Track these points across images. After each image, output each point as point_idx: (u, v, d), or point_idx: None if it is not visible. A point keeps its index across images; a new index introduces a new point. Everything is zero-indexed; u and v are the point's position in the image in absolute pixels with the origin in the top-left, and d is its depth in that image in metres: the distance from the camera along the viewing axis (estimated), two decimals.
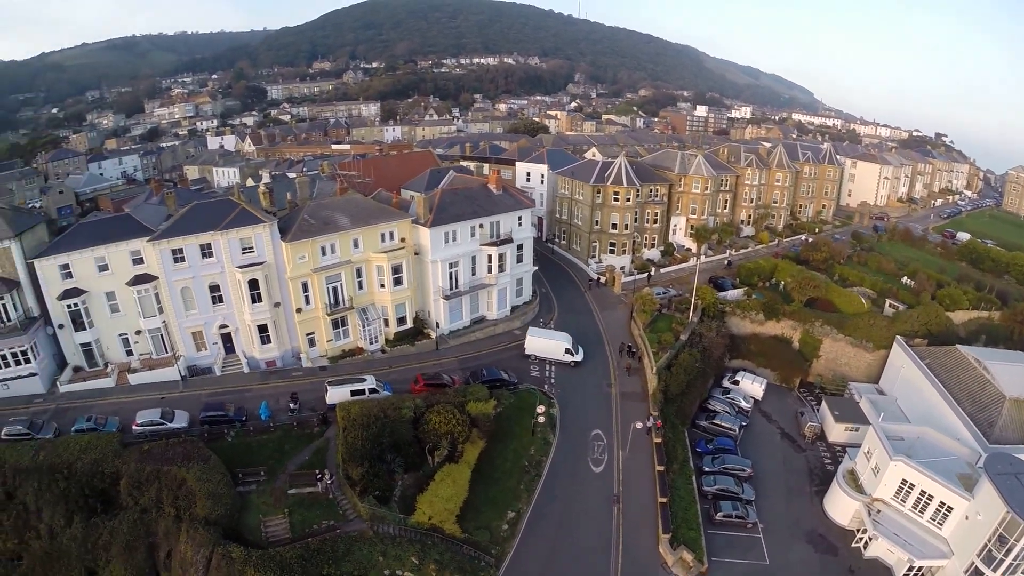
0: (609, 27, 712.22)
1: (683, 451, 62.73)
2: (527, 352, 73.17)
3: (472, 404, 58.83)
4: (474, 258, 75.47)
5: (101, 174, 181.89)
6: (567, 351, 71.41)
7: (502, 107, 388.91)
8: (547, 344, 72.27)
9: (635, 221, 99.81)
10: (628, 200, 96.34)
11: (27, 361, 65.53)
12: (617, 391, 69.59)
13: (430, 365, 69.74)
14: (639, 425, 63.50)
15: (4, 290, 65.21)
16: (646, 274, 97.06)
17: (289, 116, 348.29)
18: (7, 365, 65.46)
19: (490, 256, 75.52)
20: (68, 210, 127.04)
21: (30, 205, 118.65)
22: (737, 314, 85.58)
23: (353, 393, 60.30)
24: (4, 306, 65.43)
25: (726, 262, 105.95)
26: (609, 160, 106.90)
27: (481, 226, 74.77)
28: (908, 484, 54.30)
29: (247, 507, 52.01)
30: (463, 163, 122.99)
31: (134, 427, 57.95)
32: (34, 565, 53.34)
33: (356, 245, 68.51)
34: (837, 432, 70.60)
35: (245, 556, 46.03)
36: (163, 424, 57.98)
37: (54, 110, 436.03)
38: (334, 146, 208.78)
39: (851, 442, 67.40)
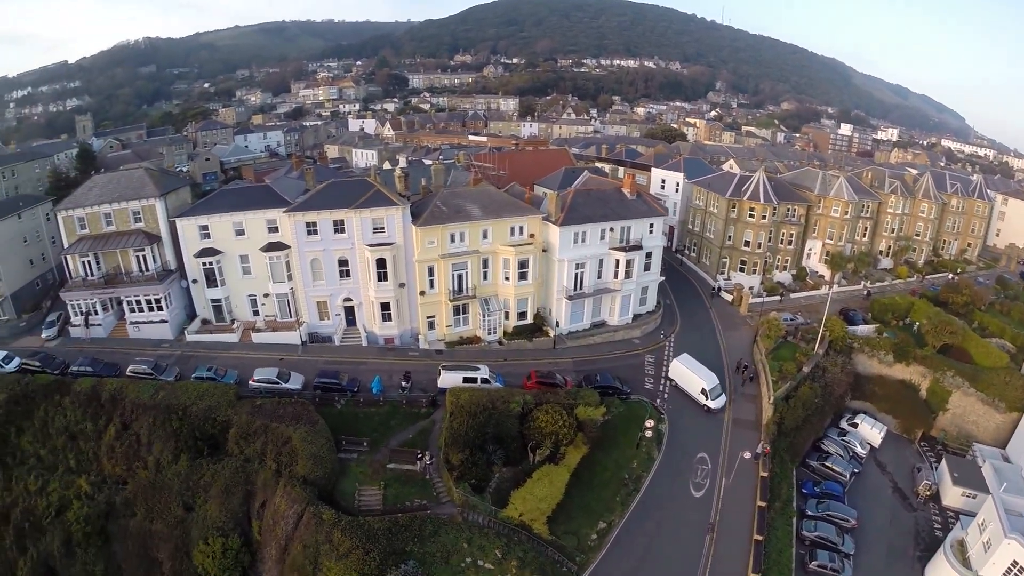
0: (753, 35, 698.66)
1: (788, 489, 61.80)
2: (669, 375, 74.03)
3: (581, 408, 61.23)
4: (601, 261, 78.16)
5: (246, 146, 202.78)
6: (703, 392, 69.71)
7: (640, 111, 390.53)
8: (688, 376, 71.85)
9: (769, 240, 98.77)
10: (764, 218, 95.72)
11: (160, 309, 78.38)
12: (730, 416, 69.49)
13: (545, 363, 72.90)
14: (747, 455, 63.33)
15: (147, 243, 78.64)
16: (775, 297, 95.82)
17: (429, 105, 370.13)
18: (141, 310, 78.58)
19: (618, 261, 77.84)
20: (212, 176, 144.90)
21: (178, 169, 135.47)
22: (865, 352, 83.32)
23: (465, 380, 64.61)
24: (145, 257, 79.14)
25: (865, 292, 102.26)
26: (747, 174, 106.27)
27: (612, 230, 77.41)
28: (1019, 568, 50.60)
29: (345, 474, 57.56)
30: (598, 164, 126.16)
31: (251, 382, 66.29)
32: (137, 491, 62.33)
33: (485, 236, 73.62)
34: (953, 496, 66.76)
35: (335, 519, 51.09)
36: (278, 384, 65.67)
37: (206, 85, 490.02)
38: (471, 137, 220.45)
39: (966, 509, 64.23)
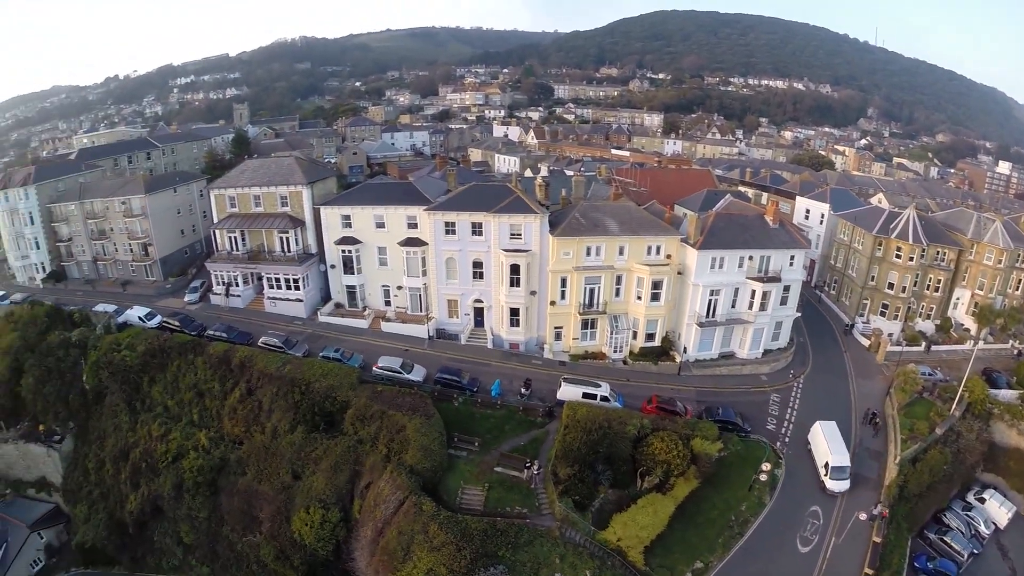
0: (908, 59, 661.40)
1: (899, 560, 58.95)
2: (808, 438, 70.57)
3: (698, 440, 62.03)
4: (737, 290, 78.43)
5: (392, 144, 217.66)
6: (825, 465, 64.65)
7: (787, 135, 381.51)
8: (820, 444, 67.10)
9: (914, 285, 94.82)
10: (911, 259, 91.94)
11: (297, 288, 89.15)
12: (851, 471, 67.85)
13: (667, 389, 74.14)
14: (863, 516, 61.26)
15: (291, 226, 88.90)
16: (915, 347, 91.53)
17: (573, 116, 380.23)
18: (279, 287, 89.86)
19: (754, 291, 77.88)
20: (358, 169, 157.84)
21: (326, 160, 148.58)
22: (1005, 420, 77.24)
23: (585, 395, 67.14)
24: (288, 239, 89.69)
25: (1014, 352, 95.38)
26: (896, 210, 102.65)
27: (750, 258, 77.69)
28: None
29: (452, 470, 61.77)
30: (741, 188, 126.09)
31: (375, 368, 73.13)
32: (251, 453, 70.69)
33: (621, 252, 76.47)
34: None
35: (434, 512, 54.95)
36: (400, 373, 71.96)
37: (357, 83, 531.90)
38: (614, 151, 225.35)
39: None
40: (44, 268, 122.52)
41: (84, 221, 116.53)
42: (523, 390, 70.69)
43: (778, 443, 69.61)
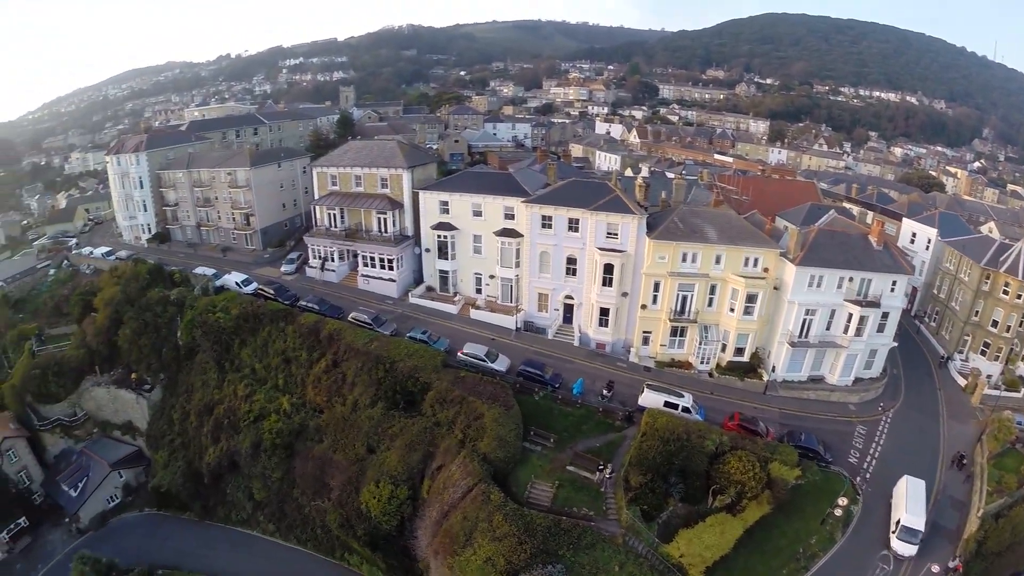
0: None
1: None
2: (893, 490, 67.10)
3: (776, 465, 61.76)
4: (833, 312, 76.76)
5: (494, 134, 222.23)
6: (896, 523, 61.05)
7: (897, 151, 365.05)
8: (899, 498, 64.28)
9: (1020, 325, 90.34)
10: (1019, 297, 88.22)
11: (391, 268, 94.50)
12: (922, 536, 65.65)
13: (750, 407, 73.77)
14: (935, 568, 59.70)
15: (389, 208, 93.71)
16: (1015, 393, 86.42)
17: (677, 118, 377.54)
18: (374, 266, 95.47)
19: (850, 315, 76.20)
20: (459, 157, 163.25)
21: (427, 146, 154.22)
22: None
23: (667, 404, 68.09)
24: (386, 220, 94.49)
25: None
26: (1008, 242, 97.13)
27: (850, 279, 75.93)
28: None
29: (524, 463, 64.05)
30: (846, 205, 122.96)
31: (459, 354, 76.62)
32: (330, 422, 75.61)
33: (718, 261, 76.62)
34: None
35: (501, 502, 57.15)
36: (484, 362, 75.12)
37: (462, 73, 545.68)
38: (716, 156, 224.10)
39: None
40: (150, 229, 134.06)
41: (191, 188, 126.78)
42: (605, 391, 72.14)
43: (858, 478, 68.24)
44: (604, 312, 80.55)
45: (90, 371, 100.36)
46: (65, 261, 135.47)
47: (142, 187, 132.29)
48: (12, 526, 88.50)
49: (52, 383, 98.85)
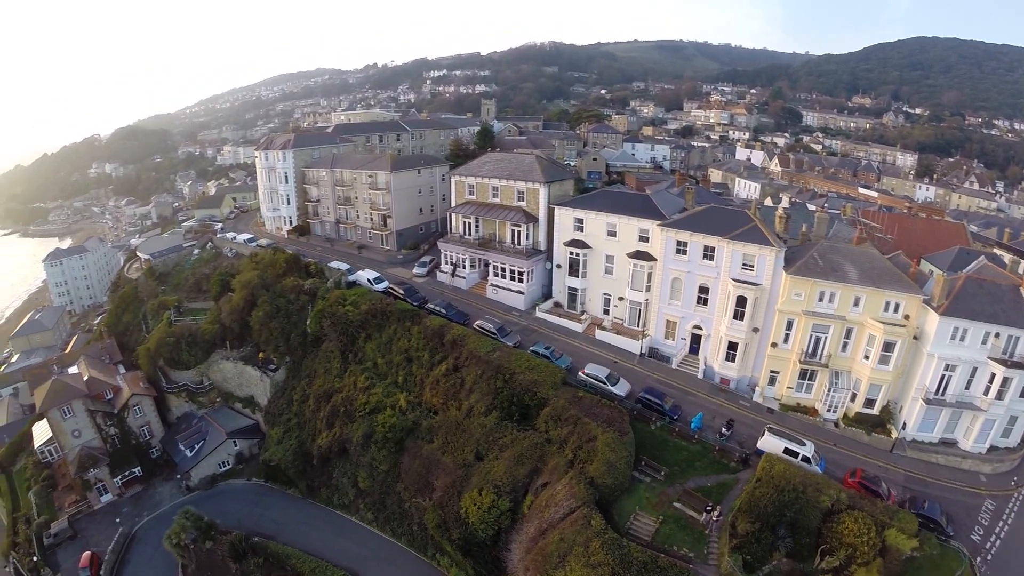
0: None
1: None
2: None
3: (893, 532, 57.80)
4: (974, 370, 71.73)
5: (633, 154, 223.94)
6: None
7: None
8: None
9: None
10: None
11: (520, 281, 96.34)
12: None
13: (874, 465, 69.35)
14: None
15: (524, 221, 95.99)
16: None
17: (820, 146, 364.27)
18: (504, 277, 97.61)
19: (993, 375, 70.03)
20: (596, 175, 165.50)
21: (565, 163, 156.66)
22: None
23: (786, 451, 65.39)
24: (519, 233, 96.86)
25: None
26: None
27: (997, 335, 70.04)
28: None
29: (630, 493, 63.68)
30: (996, 251, 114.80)
31: (581, 373, 77.15)
32: (443, 424, 77.98)
33: (856, 304, 72.76)
34: None
35: (601, 529, 56.74)
36: (604, 384, 75.26)
37: (602, 91, 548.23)
38: (860, 190, 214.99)
39: None
40: (291, 221, 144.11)
41: (333, 187, 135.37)
42: (724, 430, 70.46)
43: (978, 558, 63.67)
44: (732, 346, 78.55)
45: (221, 345, 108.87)
46: (209, 243, 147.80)
47: (287, 182, 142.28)
48: (127, 473, 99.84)
49: (184, 352, 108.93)
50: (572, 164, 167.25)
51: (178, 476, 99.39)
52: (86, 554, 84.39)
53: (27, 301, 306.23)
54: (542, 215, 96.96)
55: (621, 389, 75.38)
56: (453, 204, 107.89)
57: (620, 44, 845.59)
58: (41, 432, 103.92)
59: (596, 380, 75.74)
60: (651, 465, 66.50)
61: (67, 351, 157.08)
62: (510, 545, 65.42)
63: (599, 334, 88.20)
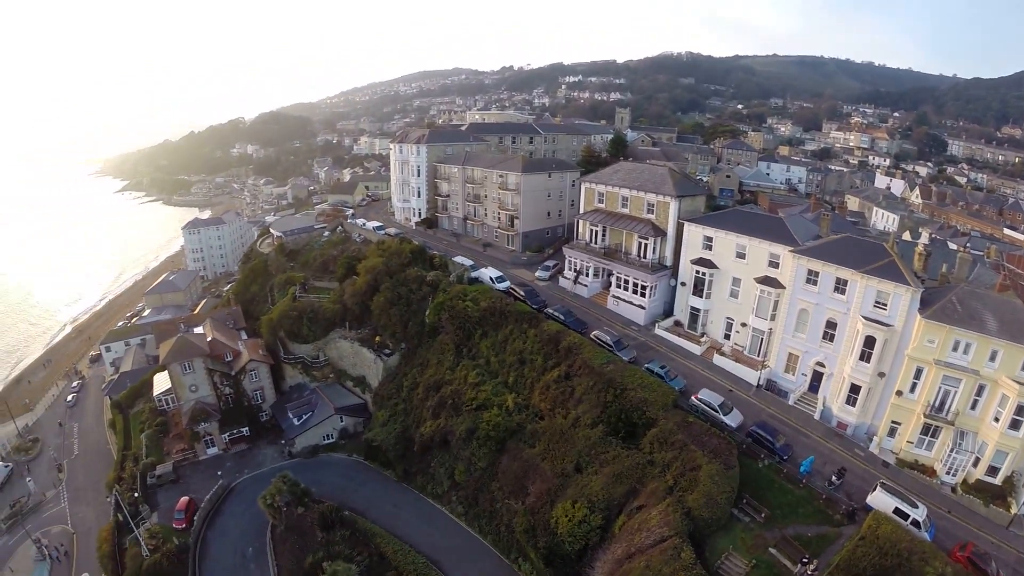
0: None
1: None
2: None
3: None
4: None
5: (767, 174, 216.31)
6: None
7: None
8: None
9: None
10: None
11: (643, 295, 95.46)
12: None
13: (987, 540, 62.41)
14: None
15: (651, 234, 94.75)
16: None
17: (965, 179, 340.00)
18: (626, 289, 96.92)
19: None
20: (729, 193, 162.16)
21: (698, 177, 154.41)
22: None
23: (897, 511, 60.78)
24: (646, 246, 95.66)
25: None
26: None
27: None
28: None
29: (726, 530, 61.45)
30: None
31: (693, 398, 75.35)
32: (547, 430, 78.29)
33: (992, 358, 65.93)
34: None
35: (690, 563, 55.06)
36: (716, 412, 73.16)
37: (738, 106, 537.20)
38: (1006, 230, 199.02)
39: None
40: (420, 214, 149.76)
41: (463, 184, 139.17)
42: (834, 477, 66.31)
43: None
44: (854, 389, 73.29)
45: (340, 325, 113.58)
46: (340, 227, 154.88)
47: (418, 175, 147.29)
48: (235, 431, 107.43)
49: (305, 326, 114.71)
50: (704, 180, 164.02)
51: (282, 442, 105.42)
52: (184, 499, 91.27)
53: (164, 262, 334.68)
54: (671, 230, 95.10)
55: (733, 420, 72.89)
56: (581, 210, 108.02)
57: (759, 58, 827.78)
58: (161, 382, 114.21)
59: (708, 407, 73.73)
60: (752, 504, 63.73)
61: (195, 312, 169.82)
62: (594, 563, 64.82)
63: (717, 359, 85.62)
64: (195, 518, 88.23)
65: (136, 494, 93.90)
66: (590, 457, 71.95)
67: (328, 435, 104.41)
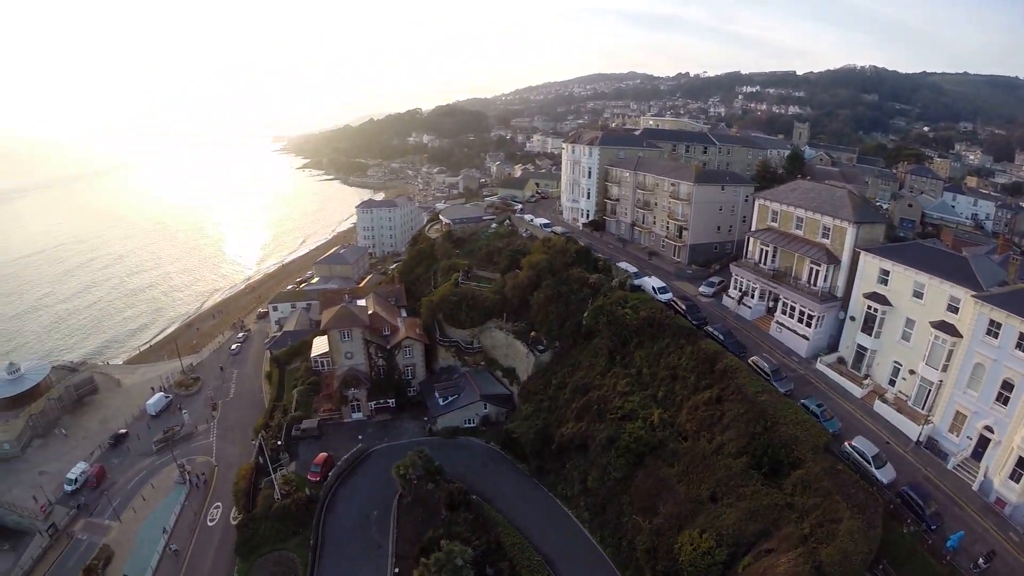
0: None
1: None
2: None
3: None
4: None
5: (952, 206, 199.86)
6: None
7: None
8: None
9: None
10: None
11: (808, 325, 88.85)
12: None
13: None
14: None
15: (825, 261, 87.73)
16: None
17: None
18: (791, 316, 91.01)
19: None
20: (909, 224, 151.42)
21: (877, 203, 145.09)
22: None
23: None
24: (817, 273, 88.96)
25: None
26: None
27: None
28: None
29: None
30: None
31: (846, 444, 68.59)
32: (688, 453, 75.40)
33: None
34: None
35: None
36: (868, 464, 66.35)
37: (924, 128, 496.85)
38: None
39: None
40: (587, 215, 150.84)
41: (633, 189, 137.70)
42: (981, 561, 57.31)
43: None
44: (1021, 464, 62.52)
45: (497, 315, 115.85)
46: (507, 221, 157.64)
47: (589, 177, 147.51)
48: (381, 401, 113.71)
49: (463, 312, 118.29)
50: (884, 207, 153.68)
51: (424, 418, 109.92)
52: (323, 455, 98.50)
53: (336, 236, 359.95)
54: (845, 258, 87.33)
55: (885, 475, 65.49)
56: (753, 228, 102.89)
57: (948, 76, 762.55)
58: (319, 345, 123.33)
59: (861, 457, 66.86)
60: (888, 573, 57.15)
61: (360, 285, 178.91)
62: None
63: (877, 405, 77.15)
64: (330, 474, 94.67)
65: (279, 442, 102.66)
66: (727, 488, 68.44)
67: (470, 419, 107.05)
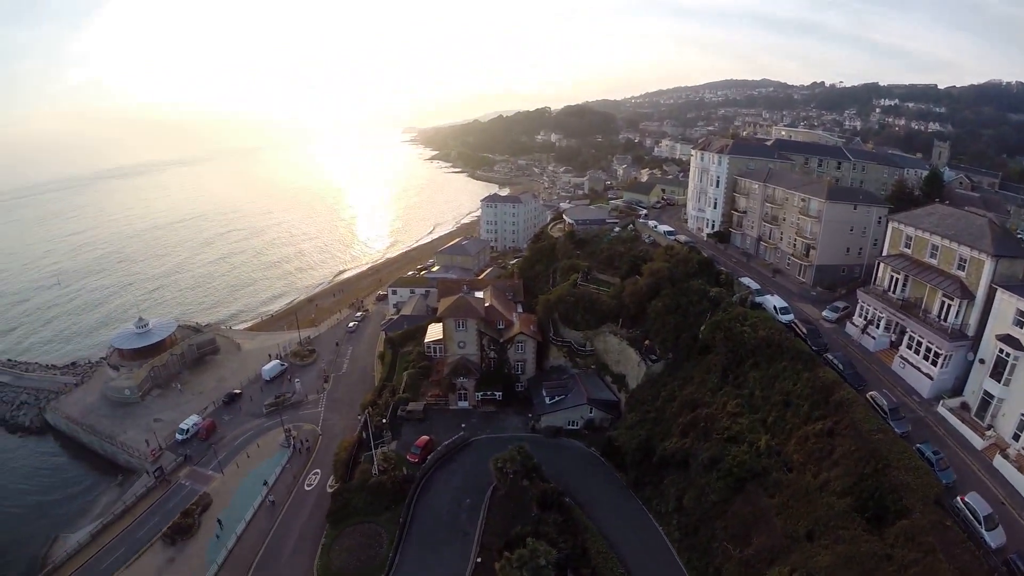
0: None
1: None
2: None
3: None
4: None
5: None
6: None
7: None
8: None
9: None
10: None
11: (934, 363, 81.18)
12: None
13: None
14: None
15: (958, 295, 79.50)
16: None
17: None
18: (916, 352, 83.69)
19: None
20: None
21: (1019, 234, 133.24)
22: None
23: None
24: (949, 307, 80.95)
25: None
26: None
27: None
28: None
29: None
30: None
31: (959, 499, 62.14)
32: (791, 485, 71.57)
33: None
34: None
35: None
36: (978, 525, 59.83)
37: None
38: None
39: None
40: (713, 225, 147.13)
41: (762, 202, 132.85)
42: None
43: None
44: None
45: (613, 320, 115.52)
46: (631, 225, 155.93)
47: (717, 186, 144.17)
48: (488, 393, 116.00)
49: (579, 314, 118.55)
50: None
51: (529, 415, 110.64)
52: (425, 437, 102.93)
53: (459, 227, 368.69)
54: (980, 293, 78.72)
55: (995, 539, 58.96)
56: (885, 252, 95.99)
57: None
58: (434, 332, 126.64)
59: (972, 515, 60.65)
60: None
61: (480, 277, 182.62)
62: None
63: (998, 460, 69.12)
64: (429, 457, 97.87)
65: (384, 420, 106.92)
66: (827, 528, 64.29)
67: (574, 421, 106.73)
